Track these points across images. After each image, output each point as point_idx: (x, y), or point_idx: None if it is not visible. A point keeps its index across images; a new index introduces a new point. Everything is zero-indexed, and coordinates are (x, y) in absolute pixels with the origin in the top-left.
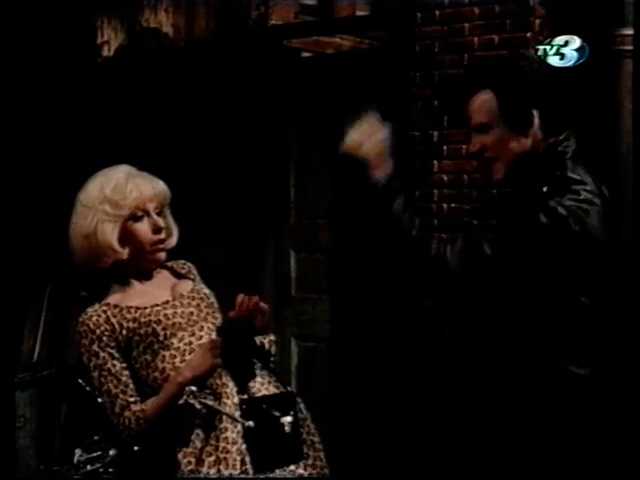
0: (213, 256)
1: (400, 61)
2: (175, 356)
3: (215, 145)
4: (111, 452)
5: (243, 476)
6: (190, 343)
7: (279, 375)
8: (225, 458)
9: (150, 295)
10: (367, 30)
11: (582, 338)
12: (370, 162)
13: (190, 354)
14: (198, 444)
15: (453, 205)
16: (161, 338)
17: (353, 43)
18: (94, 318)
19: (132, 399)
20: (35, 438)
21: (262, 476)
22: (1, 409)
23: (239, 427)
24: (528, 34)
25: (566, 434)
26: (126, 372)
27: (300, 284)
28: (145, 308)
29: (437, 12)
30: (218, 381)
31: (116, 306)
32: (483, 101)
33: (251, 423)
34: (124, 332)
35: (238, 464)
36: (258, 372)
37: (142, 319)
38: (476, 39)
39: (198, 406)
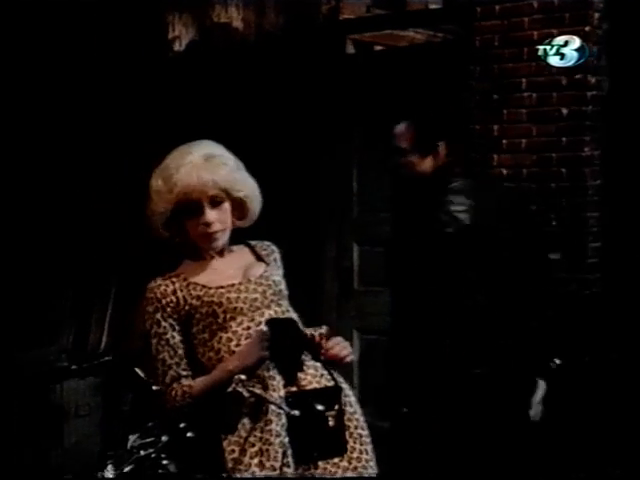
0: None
1: (461, 55)
2: (232, 339)
3: (281, 138)
4: (163, 438)
5: (290, 475)
6: (248, 328)
7: (332, 368)
8: (267, 450)
9: (219, 274)
10: (437, 24)
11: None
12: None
13: (247, 339)
14: (243, 433)
15: None
16: (220, 320)
17: (427, 37)
18: (162, 288)
19: (184, 373)
20: (99, 426)
21: (308, 475)
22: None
23: (283, 420)
24: (587, 28)
25: None
26: (183, 345)
27: (363, 277)
28: (210, 288)
29: (497, 7)
30: (266, 373)
31: (185, 279)
32: None
33: (296, 412)
34: (187, 307)
35: (280, 456)
36: (309, 364)
37: (205, 298)
38: (535, 33)
39: (246, 394)
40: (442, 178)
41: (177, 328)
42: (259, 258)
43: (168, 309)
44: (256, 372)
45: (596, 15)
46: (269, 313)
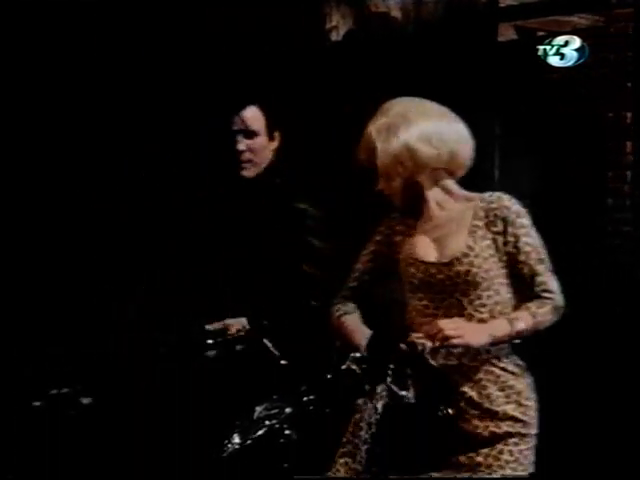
0: None
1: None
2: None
3: None
4: (287, 410)
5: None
6: None
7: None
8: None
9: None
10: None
11: None
12: None
13: None
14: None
15: None
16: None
17: (591, 22)
18: (387, 220)
19: (346, 293)
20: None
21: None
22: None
23: (373, 429)
24: None
25: None
26: (370, 264)
27: None
28: None
29: None
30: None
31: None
32: None
33: (410, 395)
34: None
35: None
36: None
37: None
38: None
39: (358, 371)
40: None
41: (377, 253)
42: None
43: (379, 235)
44: None
45: None
46: None
